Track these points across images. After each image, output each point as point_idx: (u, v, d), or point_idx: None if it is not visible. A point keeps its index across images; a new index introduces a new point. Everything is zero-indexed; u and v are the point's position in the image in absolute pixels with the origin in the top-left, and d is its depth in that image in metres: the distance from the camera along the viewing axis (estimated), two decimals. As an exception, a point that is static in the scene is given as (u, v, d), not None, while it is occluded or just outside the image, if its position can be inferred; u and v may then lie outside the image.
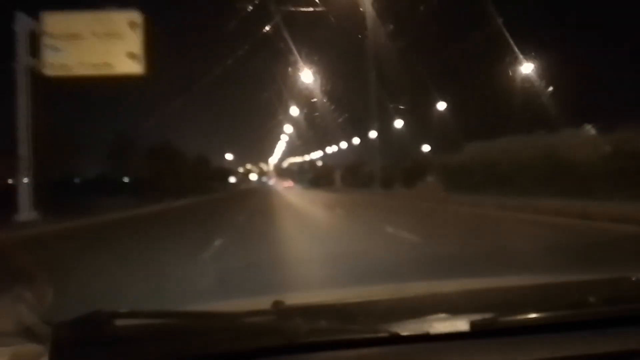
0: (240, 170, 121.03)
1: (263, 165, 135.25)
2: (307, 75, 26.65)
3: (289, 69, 26.53)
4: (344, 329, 1.20)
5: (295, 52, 22.77)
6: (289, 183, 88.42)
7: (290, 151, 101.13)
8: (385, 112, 33.76)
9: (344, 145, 59.92)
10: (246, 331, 1.19)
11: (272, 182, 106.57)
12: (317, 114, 39.49)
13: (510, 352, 1.12)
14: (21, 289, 1.21)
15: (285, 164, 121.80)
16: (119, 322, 1.15)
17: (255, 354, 1.11)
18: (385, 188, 31.86)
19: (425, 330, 1.16)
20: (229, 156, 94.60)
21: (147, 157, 37.70)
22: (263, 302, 1.31)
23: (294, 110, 46.97)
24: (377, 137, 35.06)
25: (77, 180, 35.39)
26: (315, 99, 31.59)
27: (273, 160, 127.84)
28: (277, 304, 1.27)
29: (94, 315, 1.15)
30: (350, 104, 36.52)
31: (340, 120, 38.05)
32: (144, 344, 1.14)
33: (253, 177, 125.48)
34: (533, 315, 1.22)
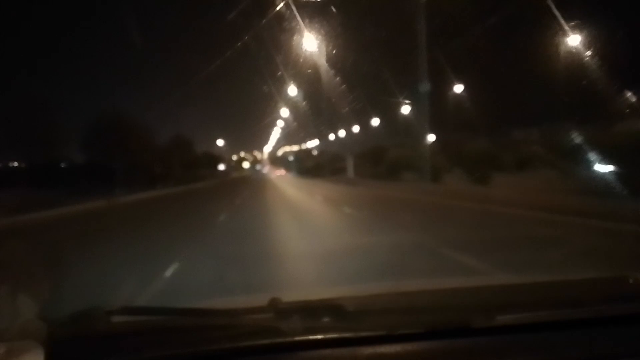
0: (234, 157, 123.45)
1: (257, 154, 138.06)
2: (309, 44, 20.00)
3: (289, 40, 20.38)
4: (341, 327, 1.23)
5: (297, 16, 16.86)
6: (281, 171, 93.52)
7: (285, 139, 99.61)
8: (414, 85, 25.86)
9: (343, 134, 53.95)
10: (243, 328, 1.23)
11: (265, 170, 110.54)
12: (319, 98, 35.36)
13: (507, 350, 1.17)
14: (18, 285, 1.23)
15: (279, 153, 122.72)
16: (115, 319, 1.20)
17: (252, 351, 1.16)
18: (436, 181, 20.62)
19: (422, 328, 1.20)
20: (219, 142, 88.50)
21: (96, 138, 26.94)
22: (260, 300, 1.33)
23: (291, 96, 40.22)
24: (421, 110, 24.48)
25: None
26: (317, 81, 26.01)
27: (268, 148, 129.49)
28: (273, 301, 1.29)
29: (91, 311, 1.19)
30: (361, 83, 28.86)
31: (345, 104, 31.11)
32: (140, 340, 1.17)
33: (245, 164, 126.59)
34: (530, 314, 1.27)
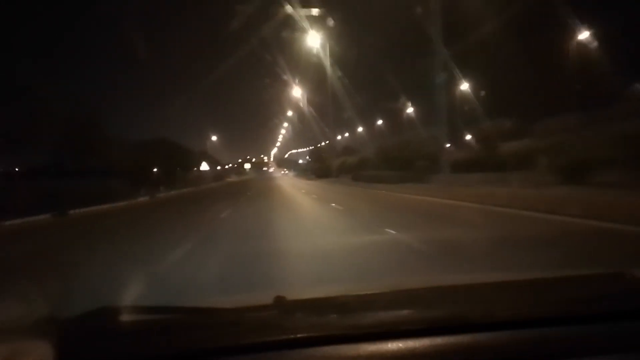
0: (239, 160, 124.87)
1: (264, 157, 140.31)
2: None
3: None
4: (344, 324, 1.25)
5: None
6: (283, 171, 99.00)
7: (293, 142, 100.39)
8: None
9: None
10: (248, 326, 1.25)
11: (271, 170, 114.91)
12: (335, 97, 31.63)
13: (505, 346, 1.18)
14: (28, 285, 0.97)
15: (286, 155, 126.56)
16: (124, 318, 1.23)
17: (257, 348, 1.17)
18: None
19: (423, 325, 1.23)
20: (214, 138, 77.46)
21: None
22: (264, 298, 1.37)
23: (302, 100, 40.96)
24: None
25: None
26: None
27: (275, 152, 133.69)
28: (278, 299, 1.33)
29: (100, 311, 1.22)
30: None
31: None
32: (148, 338, 1.19)
33: (247, 166, 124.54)
34: (528, 310, 1.30)
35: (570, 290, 1.48)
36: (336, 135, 51.98)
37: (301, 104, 57.76)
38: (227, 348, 1.16)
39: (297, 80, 51.15)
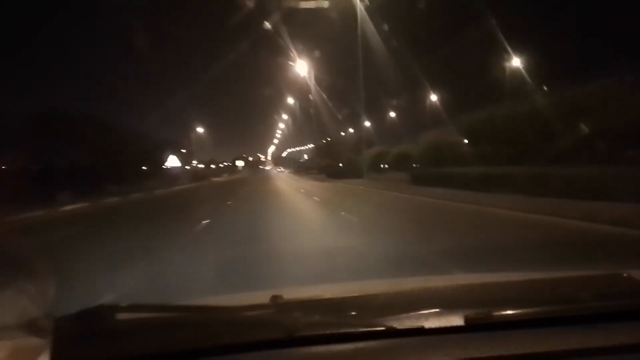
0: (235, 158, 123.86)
1: (261, 156, 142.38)
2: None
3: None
4: (341, 323, 1.26)
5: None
6: (279, 169, 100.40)
7: (291, 141, 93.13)
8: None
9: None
10: (245, 324, 1.26)
11: (268, 168, 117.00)
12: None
13: (503, 346, 1.17)
14: (24, 282, 0.91)
15: (284, 154, 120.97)
16: (121, 316, 1.20)
17: (254, 346, 1.17)
18: None
19: (420, 324, 1.22)
20: (199, 130, 66.75)
21: None
22: (262, 297, 1.37)
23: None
24: None
25: None
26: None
27: (275, 150, 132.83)
28: (275, 298, 1.33)
29: (96, 309, 1.20)
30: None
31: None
32: (145, 337, 1.19)
33: (239, 163, 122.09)
34: (526, 310, 1.29)
35: (567, 290, 1.45)
36: (365, 121, 37.45)
37: (307, 92, 43.94)
38: (223, 346, 1.16)
39: (303, 56, 37.73)
